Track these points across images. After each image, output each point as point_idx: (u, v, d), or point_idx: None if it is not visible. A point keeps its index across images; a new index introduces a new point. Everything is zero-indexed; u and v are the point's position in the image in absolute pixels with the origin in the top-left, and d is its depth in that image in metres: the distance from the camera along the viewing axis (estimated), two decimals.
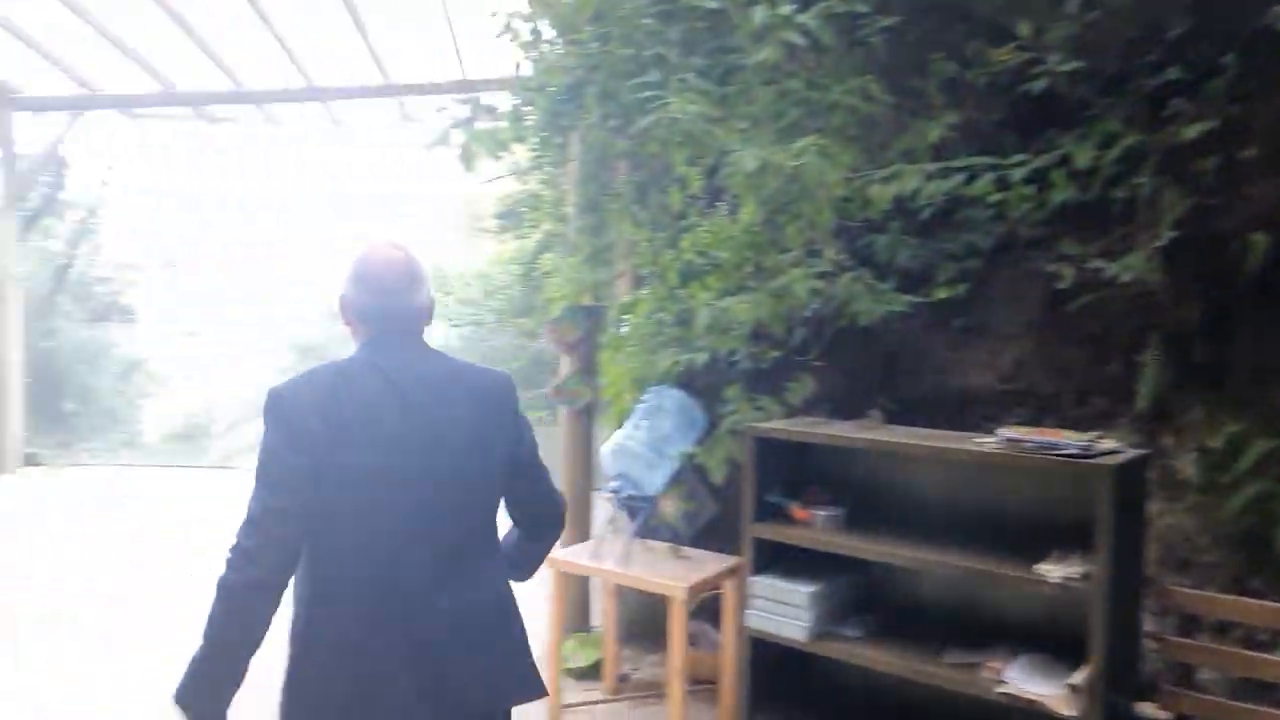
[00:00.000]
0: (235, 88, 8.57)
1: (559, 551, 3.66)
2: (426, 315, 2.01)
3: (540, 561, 2.21)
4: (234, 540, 1.73)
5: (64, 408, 10.94)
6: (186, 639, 1.81)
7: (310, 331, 14.94)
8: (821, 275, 3.28)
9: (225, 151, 14.02)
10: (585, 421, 4.45)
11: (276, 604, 1.75)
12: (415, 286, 1.97)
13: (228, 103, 9.09)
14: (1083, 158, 2.99)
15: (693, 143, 3.12)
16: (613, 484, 3.44)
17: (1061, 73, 3.02)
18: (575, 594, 4.24)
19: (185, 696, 1.75)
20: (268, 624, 1.75)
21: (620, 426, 4.63)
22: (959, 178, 3.10)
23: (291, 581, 1.81)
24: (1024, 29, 3.07)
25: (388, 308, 1.93)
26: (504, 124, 3.69)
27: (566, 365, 4.41)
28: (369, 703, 1.78)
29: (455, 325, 11.58)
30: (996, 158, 3.10)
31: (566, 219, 4.26)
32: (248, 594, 1.72)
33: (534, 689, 1.98)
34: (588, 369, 4.38)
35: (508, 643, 1.97)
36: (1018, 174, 3.04)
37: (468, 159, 3.65)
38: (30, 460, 9.74)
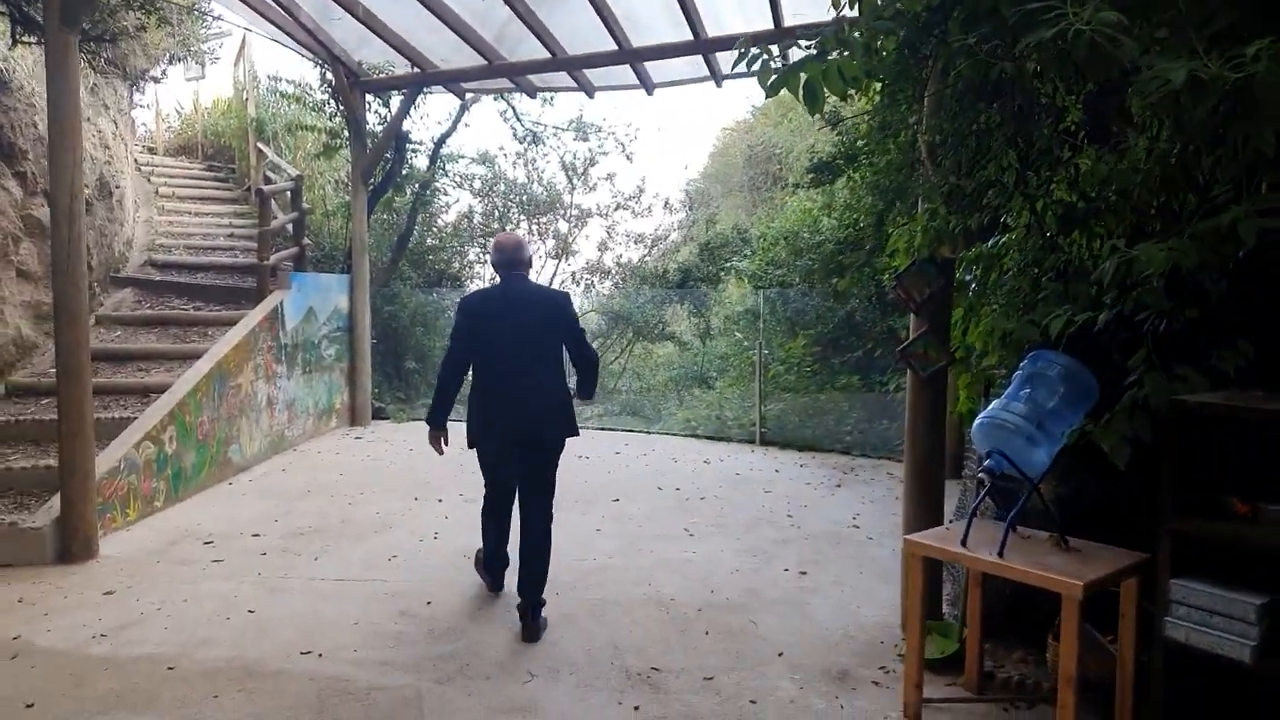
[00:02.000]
0: (550, 57, 8.80)
1: (916, 535, 3.29)
2: (523, 264, 4.30)
3: (591, 385, 4.42)
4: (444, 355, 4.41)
5: (406, 366, 11.96)
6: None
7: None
8: (1264, 213, 2.63)
9: (542, 123, 14.54)
10: (933, 389, 4.01)
11: (455, 377, 4.34)
12: (516, 251, 4.29)
13: (544, 71, 9.32)
14: None
15: (1098, 58, 2.58)
16: (986, 463, 3.00)
17: None
18: (928, 578, 3.85)
19: (429, 415, 4.38)
20: (453, 383, 4.35)
21: (976, 395, 4.15)
22: None
23: (469, 380, 4.34)
24: None
25: (504, 262, 4.28)
26: (852, 56, 3.30)
27: (915, 325, 3.99)
28: (491, 424, 4.22)
29: (759, 288, 11.13)
30: None
31: (918, 163, 3.81)
32: (445, 370, 4.34)
33: (571, 431, 4.25)
34: (938, 330, 3.93)
35: (561, 411, 4.21)
36: None
37: (812, 98, 3.30)
38: (378, 414, 10.79)
